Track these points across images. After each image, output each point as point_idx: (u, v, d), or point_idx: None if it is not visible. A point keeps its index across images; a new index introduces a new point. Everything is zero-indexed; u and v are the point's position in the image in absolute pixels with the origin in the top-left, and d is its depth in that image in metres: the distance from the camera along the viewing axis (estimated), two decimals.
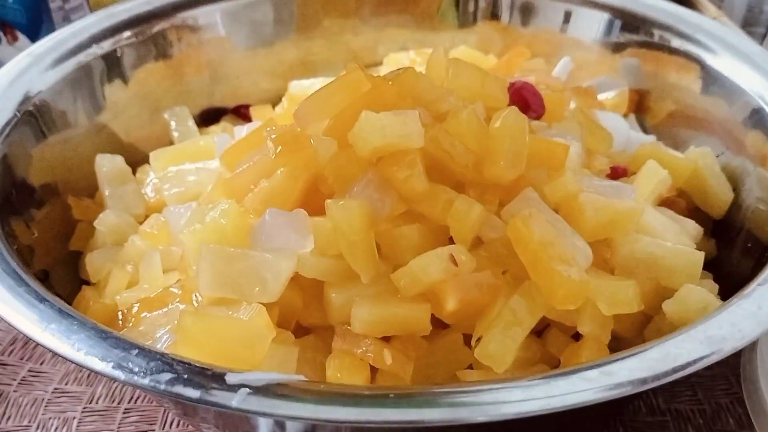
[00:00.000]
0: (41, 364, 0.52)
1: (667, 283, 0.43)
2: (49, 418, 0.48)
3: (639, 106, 0.62)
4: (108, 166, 0.54)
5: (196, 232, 0.40)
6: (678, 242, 0.45)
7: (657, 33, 0.60)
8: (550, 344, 0.42)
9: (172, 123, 0.60)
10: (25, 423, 0.48)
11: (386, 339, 0.40)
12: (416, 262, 0.39)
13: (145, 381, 0.32)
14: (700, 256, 0.44)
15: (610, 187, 0.45)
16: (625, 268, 0.43)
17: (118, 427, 0.48)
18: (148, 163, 0.55)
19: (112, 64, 0.58)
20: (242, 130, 0.53)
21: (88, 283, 0.50)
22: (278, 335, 0.40)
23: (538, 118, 0.52)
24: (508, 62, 0.63)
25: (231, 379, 0.31)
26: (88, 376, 0.51)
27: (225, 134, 0.53)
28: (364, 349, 0.39)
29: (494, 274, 0.40)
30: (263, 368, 0.35)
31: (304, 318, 0.42)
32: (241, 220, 0.41)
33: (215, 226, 0.40)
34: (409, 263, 0.39)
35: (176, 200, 0.50)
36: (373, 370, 0.40)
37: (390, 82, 0.44)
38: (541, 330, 0.42)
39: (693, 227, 0.49)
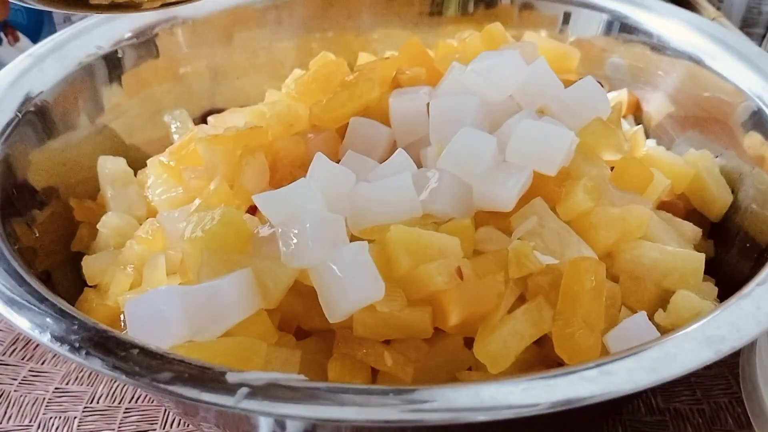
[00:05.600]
0: (42, 363, 0.52)
1: (670, 287, 0.43)
2: (50, 418, 0.48)
3: (638, 108, 0.63)
4: (110, 167, 0.54)
5: (197, 239, 0.40)
6: (677, 245, 0.46)
7: (656, 34, 0.60)
8: (550, 348, 0.42)
9: (173, 126, 0.61)
10: (26, 422, 0.48)
11: (386, 341, 0.40)
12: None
13: (146, 380, 0.32)
14: (701, 258, 0.44)
15: (623, 199, 0.45)
16: (629, 274, 0.44)
17: (119, 427, 0.48)
18: None
19: (113, 65, 0.58)
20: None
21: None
22: (280, 338, 0.40)
23: None
24: None
25: (231, 378, 0.31)
26: (89, 375, 0.51)
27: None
28: (364, 351, 0.39)
29: (497, 281, 0.40)
30: (266, 370, 0.35)
31: (305, 322, 0.42)
32: (242, 226, 0.41)
33: (216, 234, 0.40)
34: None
35: (167, 206, 0.50)
36: (374, 371, 0.40)
37: None
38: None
39: (691, 229, 0.50)
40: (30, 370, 0.52)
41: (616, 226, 0.43)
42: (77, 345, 0.34)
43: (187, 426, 0.48)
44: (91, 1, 0.37)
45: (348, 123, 0.51)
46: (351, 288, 0.37)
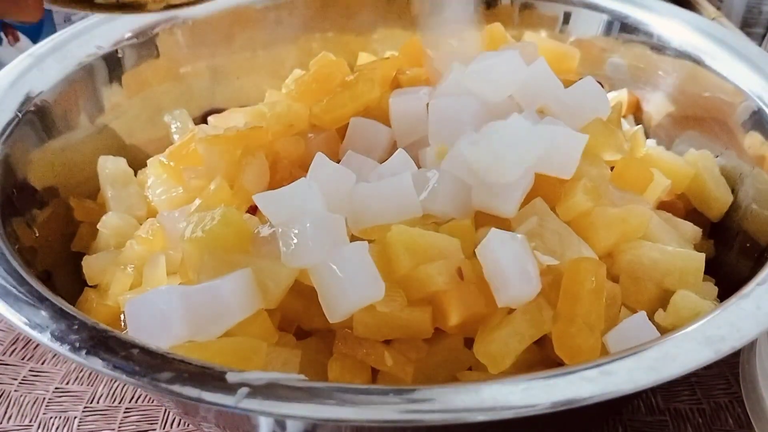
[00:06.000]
0: (42, 363, 0.52)
1: (670, 287, 0.43)
2: (51, 418, 0.48)
3: (638, 108, 0.63)
4: (111, 167, 0.54)
5: (197, 239, 0.40)
6: (677, 245, 0.46)
7: (656, 34, 0.60)
8: (550, 348, 0.42)
9: (173, 126, 0.61)
10: (27, 422, 0.48)
11: (387, 341, 0.40)
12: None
13: (146, 380, 0.32)
14: (702, 258, 0.44)
15: (623, 199, 0.45)
16: (629, 274, 0.44)
17: (119, 427, 0.48)
18: None
19: (113, 65, 0.58)
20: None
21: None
22: (280, 338, 0.40)
23: None
24: None
25: (231, 378, 0.31)
26: (89, 375, 0.51)
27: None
28: (365, 351, 0.39)
29: None
30: (266, 370, 0.36)
31: (305, 322, 0.42)
32: (242, 226, 0.41)
33: (217, 234, 0.40)
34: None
35: (167, 206, 0.50)
36: (374, 371, 0.40)
37: None
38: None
39: (691, 229, 0.50)
40: (30, 370, 0.52)
41: (616, 226, 0.43)
42: (77, 345, 0.34)
43: (187, 426, 0.48)
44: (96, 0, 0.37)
45: (348, 123, 0.51)
46: (351, 288, 0.37)
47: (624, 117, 0.61)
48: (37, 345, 0.53)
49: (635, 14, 0.62)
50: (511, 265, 0.38)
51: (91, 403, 0.50)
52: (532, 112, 0.48)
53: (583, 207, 0.43)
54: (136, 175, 0.56)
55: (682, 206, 0.52)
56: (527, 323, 0.39)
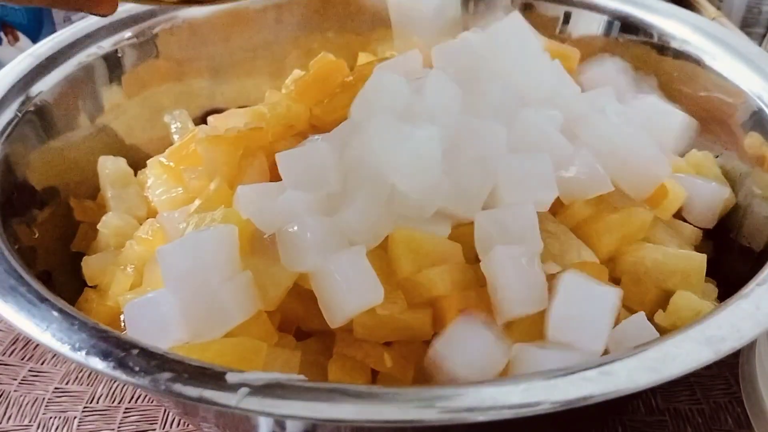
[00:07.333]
0: (42, 363, 0.52)
1: (672, 288, 0.43)
2: (50, 418, 0.48)
3: None
4: (111, 168, 0.54)
5: None
6: (677, 247, 0.46)
7: (656, 34, 0.60)
8: None
9: (173, 126, 0.61)
10: (26, 422, 0.48)
11: (387, 342, 0.40)
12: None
13: (146, 380, 0.32)
14: (703, 259, 0.44)
15: (624, 202, 0.45)
16: (631, 276, 0.44)
17: (119, 427, 0.48)
18: None
19: (113, 65, 0.58)
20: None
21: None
22: (280, 339, 0.40)
23: None
24: None
25: (231, 378, 0.31)
26: (89, 375, 0.51)
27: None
28: (364, 352, 0.39)
29: None
30: (266, 371, 0.35)
31: (305, 323, 0.42)
32: (243, 228, 0.41)
33: None
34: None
35: (167, 206, 0.50)
36: (374, 372, 0.40)
37: None
38: None
39: (691, 230, 0.50)
40: (30, 370, 0.52)
41: (617, 230, 0.43)
42: (77, 345, 0.34)
43: (187, 426, 0.48)
44: None
45: None
46: (350, 293, 0.37)
47: None
48: (37, 345, 0.53)
49: (635, 14, 0.62)
50: (516, 286, 0.38)
51: (90, 403, 0.50)
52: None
53: (583, 215, 0.43)
54: (136, 175, 0.56)
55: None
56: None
